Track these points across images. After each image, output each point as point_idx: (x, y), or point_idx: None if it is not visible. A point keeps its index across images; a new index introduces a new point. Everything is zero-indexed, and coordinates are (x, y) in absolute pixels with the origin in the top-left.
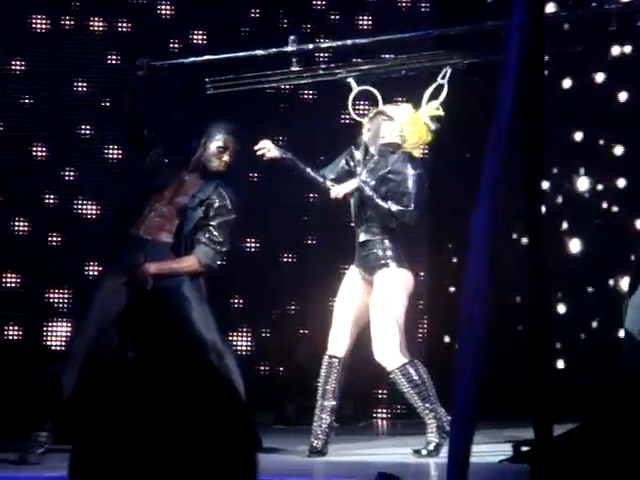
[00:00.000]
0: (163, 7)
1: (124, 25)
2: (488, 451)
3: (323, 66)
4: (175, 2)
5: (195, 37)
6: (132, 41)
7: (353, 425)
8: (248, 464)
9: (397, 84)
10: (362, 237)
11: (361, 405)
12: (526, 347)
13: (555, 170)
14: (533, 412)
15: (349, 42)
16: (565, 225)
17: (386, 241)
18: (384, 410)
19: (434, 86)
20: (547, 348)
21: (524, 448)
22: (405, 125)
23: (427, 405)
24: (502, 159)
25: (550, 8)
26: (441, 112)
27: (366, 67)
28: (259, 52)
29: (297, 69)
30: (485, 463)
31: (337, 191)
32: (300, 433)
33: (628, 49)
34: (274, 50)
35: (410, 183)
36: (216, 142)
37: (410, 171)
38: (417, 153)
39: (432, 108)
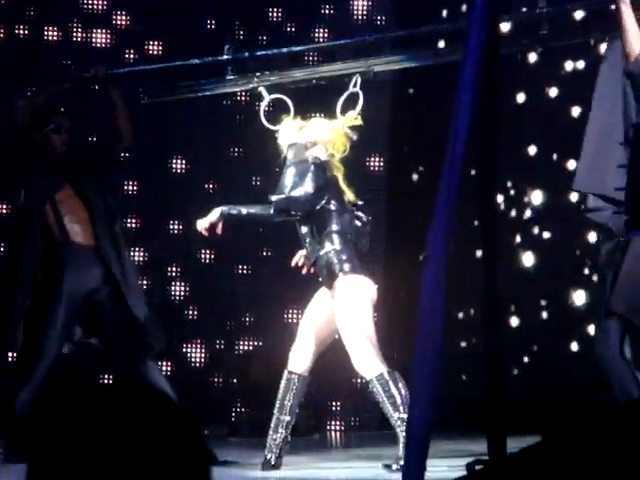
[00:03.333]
0: (118, 17)
1: (79, 34)
2: (445, 467)
3: (235, 76)
4: (130, 13)
5: (151, 48)
6: (86, 50)
7: (307, 438)
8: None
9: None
10: (314, 254)
11: (315, 418)
12: (480, 360)
13: (509, 184)
14: (486, 427)
15: (284, 50)
16: (519, 239)
17: (333, 251)
18: (338, 423)
19: (346, 95)
20: (501, 362)
21: (478, 467)
22: (328, 143)
23: (401, 416)
24: (458, 178)
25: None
26: (360, 122)
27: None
28: (195, 61)
29: (232, 77)
30: None
31: (199, 225)
32: (254, 446)
33: (581, 64)
34: (209, 59)
35: (287, 173)
36: None
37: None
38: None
39: (351, 118)
